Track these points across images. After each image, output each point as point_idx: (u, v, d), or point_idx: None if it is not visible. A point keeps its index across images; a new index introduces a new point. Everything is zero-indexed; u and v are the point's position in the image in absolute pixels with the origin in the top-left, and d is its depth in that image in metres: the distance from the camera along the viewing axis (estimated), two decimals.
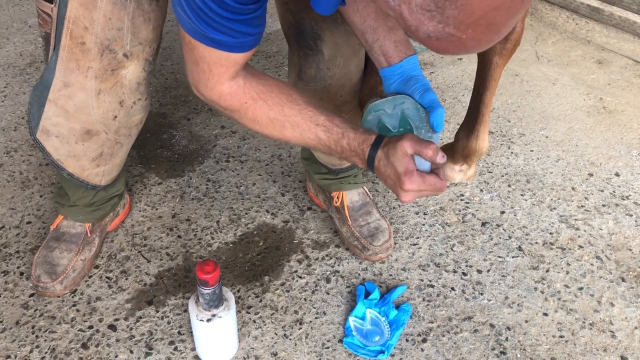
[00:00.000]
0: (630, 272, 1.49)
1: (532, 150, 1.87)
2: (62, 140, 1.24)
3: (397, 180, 0.98)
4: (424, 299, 1.41)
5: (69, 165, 1.29)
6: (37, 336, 1.30)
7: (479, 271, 1.48)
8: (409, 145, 0.97)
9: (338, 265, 1.48)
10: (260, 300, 1.39)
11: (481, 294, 1.42)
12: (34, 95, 1.23)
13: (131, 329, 1.32)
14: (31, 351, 1.27)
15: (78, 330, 1.32)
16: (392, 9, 0.70)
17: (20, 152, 1.81)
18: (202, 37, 0.92)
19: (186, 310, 1.35)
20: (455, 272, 1.47)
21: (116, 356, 1.27)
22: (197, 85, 1.02)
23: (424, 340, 1.32)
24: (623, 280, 1.47)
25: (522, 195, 1.71)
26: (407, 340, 1.31)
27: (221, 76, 0.99)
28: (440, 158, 0.96)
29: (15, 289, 1.40)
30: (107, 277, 1.44)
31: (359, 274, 1.46)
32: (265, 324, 1.34)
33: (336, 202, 1.54)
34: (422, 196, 1.01)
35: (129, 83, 1.20)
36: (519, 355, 1.29)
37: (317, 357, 1.28)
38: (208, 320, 1.17)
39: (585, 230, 1.60)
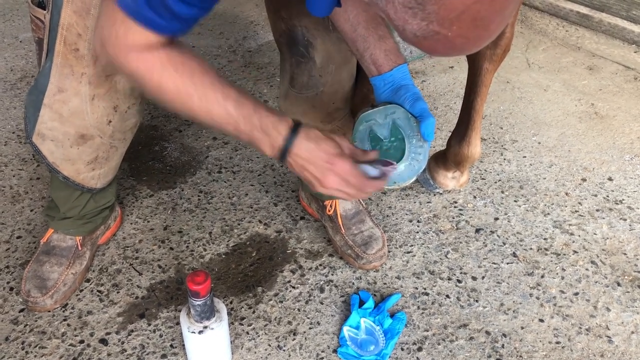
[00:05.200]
0: (626, 277, 1.48)
1: (524, 157, 1.87)
2: (57, 144, 1.25)
3: (327, 160, 0.96)
4: (418, 307, 1.39)
5: (64, 169, 1.30)
6: (27, 352, 1.28)
7: (474, 278, 1.47)
8: (346, 144, 1.00)
9: (332, 274, 1.47)
10: (254, 312, 1.38)
11: (476, 301, 1.41)
12: (29, 99, 1.24)
13: (123, 342, 1.30)
14: None
15: (69, 345, 1.30)
16: (381, 10, 0.70)
17: (11, 166, 1.79)
18: (133, 11, 0.86)
19: (178, 323, 1.34)
20: (449, 279, 1.46)
21: None
22: (105, 41, 0.92)
23: (420, 349, 1.30)
24: (618, 284, 1.46)
25: (515, 201, 1.70)
26: (402, 349, 1.30)
27: (135, 45, 0.90)
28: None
29: (5, 305, 1.38)
30: (98, 291, 1.42)
31: (353, 283, 1.45)
32: (259, 335, 1.32)
33: (329, 211, 1.53)
34: (343, 190, 0.99)
35: (122, 88, 1.21)
36: None
37: None
38: (200, 332, 1.15)
39: (579, 235, 1.59)
